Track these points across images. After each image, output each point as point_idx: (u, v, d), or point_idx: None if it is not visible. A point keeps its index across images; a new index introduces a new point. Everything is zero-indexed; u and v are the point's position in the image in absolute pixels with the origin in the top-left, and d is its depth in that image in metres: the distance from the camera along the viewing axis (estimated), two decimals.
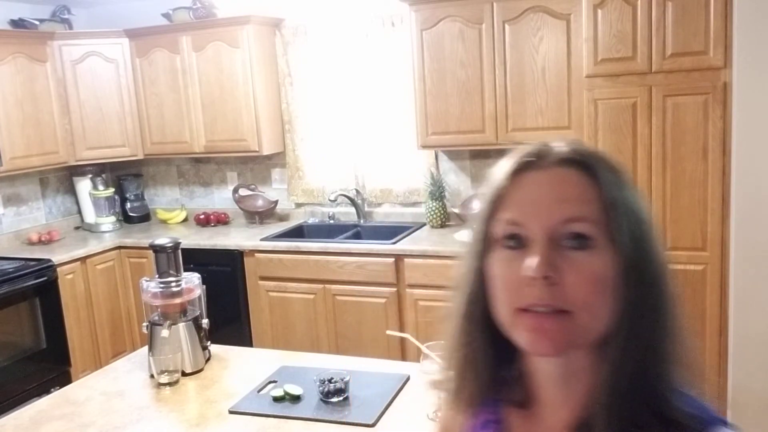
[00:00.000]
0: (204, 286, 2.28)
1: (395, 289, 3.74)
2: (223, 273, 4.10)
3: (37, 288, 3.82)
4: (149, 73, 4.51)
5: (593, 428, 0.77)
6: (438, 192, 4.05)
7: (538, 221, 0.77)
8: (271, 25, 4.37)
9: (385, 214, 4.42)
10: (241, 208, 4.61)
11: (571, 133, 3.49)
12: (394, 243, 3.76)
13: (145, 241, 4.23)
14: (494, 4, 3.53)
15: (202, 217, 4.66)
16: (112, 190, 4.75)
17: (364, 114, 4.31)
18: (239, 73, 4.25)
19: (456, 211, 3.92)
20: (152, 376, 2.12)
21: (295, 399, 1.90)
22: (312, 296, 3.93)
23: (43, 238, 4.37)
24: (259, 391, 1.99)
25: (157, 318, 2.20)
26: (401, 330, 3.68)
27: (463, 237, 3.72)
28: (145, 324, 2.20)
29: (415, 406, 1.83)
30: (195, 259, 3.92)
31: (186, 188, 5.01)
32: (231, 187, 4.71)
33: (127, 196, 4.91)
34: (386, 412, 1.81)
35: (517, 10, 3.49)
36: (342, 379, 1.89)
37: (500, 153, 0.79)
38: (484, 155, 4.06)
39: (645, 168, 3.12)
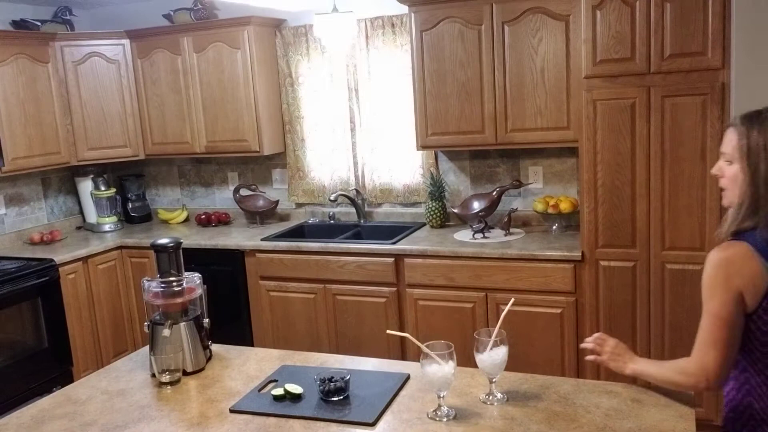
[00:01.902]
0: (205, 286, 2.29)
1: (395, 289, 3.75)
2: (224, 273, 4.12)
3: (39, 288, 3.84)
4: (150, 73, 4.53)
5: None
6: (438, 192, 4.06)
7: None
8: (271, 26, 4.39)
9: (385, 214, 4.43)
10: (241, 208, 4.62)
11: (570, 133, 3.50)
12: (394, 243, 3.77)
13: (147, 241, 4.25)
14: (494, 6, 3.54)
15: (203, 217, 4.68)
16: (113, 190, 4.76)
17: (364, 114, 4.32)
18: (240, 73, 4.27)
19: (456, 211, 3.93)
20: (153, 375, 2.13)
21: (296, 398, 1.91)
22: (312, 296, 3.95)
23: (44, 238, 4.38)
24: (259, 390, 2.00)
25: (158, 317, 2.21)
26: (401, 329, 3.69)
27: (463, 237, 3.74)
28: (146, 323, 2.21)
29: (415, 405, 1.85)
30: (196, 258, 3.94)
31: (187, 188, 5.02)
32: (232, 188, 4.72)
33: (129, 196, 4.92)
34: (386, 411, 1.82)
35: (517, 11, 3.50)
36: (342, 379, 1.90)
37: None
38: (483, 155, 4.07)
39: (643, 168, 3.13)
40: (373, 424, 1.76)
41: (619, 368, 1.86)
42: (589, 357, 1.94)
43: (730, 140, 1.69)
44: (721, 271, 1.61)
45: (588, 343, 1.94)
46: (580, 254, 3.32)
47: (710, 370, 1.62)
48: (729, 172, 1.69)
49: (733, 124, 1.70)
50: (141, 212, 4.96)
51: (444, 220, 4.10)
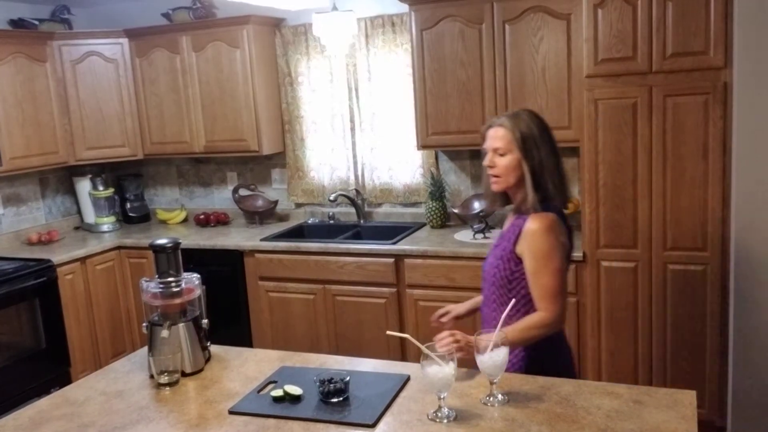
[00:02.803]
0: (204, 287, 2.27)
1: (395, 289, 3.74)
2: (223, 273, 4.10)
3: (36, 288, 3.82)
4: (149, 73, 4.51)
5: None
6: (438, 192, 4.05)
7: None
8: (270, 25, 4.37)
9: (385, 214, 4.41)
10: (240, 208, 4.60)
11: (571, 133, 3.48)
12: (394, 243, 3.76)
13: (145, 242, 4.24)
14: (494, 4, 3.52)
15: (201, 217, 4.66)
16: (111, 190, 4.75)
17: (364, 114, 4.31)
18: (239, 73, 4.25)
19: (456, 211, 3.91)
20: (152, 376, 2.11)
21: (295, 399, 1.90)
22: (312, 296, 3.93)
23: (42, 239, 4.36)
24: (259, 392, 1.98)
25: (156, 318, 2.20)
26: (401, 330, 3.68)
27: (463, 237, 3.72)
28: (144, 324, 2.20)
29: (415, 406, 1.84)
30: (195, 259, 3.93)
31: (186, 188, 5.01)
32: (231, 187, 4.71)
33: (127, 196, 4.90)
34: (386, 412, 1.81)
35: (517, 10, 3.49)
36: (342, 380, 1.89)
37: None
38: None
39: (645, 168, 3.11)
40: (373, 426, 1.74)
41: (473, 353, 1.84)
42: (457, 355, 1.80)
43: (502, 136, 2.05)
44: (551, 234, 1.98)
45: (447, 344, 1.84)
46: (581, 255, 3.30)
47: (564, 314, 2.00)
48: (503, 162, 2.05)
49: (498, 124, 2.07)
50: (139, 212, 4.94)
51: (444, 220, 4.08)
